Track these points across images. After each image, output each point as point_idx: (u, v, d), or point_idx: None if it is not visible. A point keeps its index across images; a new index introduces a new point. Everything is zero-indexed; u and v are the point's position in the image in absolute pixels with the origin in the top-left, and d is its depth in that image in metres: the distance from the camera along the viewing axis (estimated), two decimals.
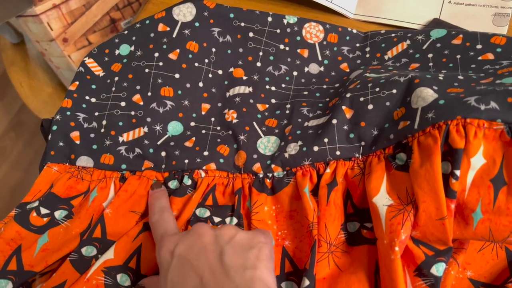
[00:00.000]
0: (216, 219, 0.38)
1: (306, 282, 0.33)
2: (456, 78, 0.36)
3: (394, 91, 0.37)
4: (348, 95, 0.40)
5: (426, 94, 0.34)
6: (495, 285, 0.32)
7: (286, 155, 0.40)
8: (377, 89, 0.38)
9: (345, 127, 0.39)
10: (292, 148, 0.40)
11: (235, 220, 0.38)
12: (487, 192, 0.30)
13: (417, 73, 0.38)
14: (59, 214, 0.39)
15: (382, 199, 0.33)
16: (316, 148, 0.38)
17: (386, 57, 0.45)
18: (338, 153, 0.38)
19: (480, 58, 0.40)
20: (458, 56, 0.41)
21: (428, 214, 0.31)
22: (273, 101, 0.45)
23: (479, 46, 0.41)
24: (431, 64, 0.42)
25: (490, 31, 0.41)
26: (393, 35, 0.46)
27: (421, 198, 0.31)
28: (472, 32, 0.42)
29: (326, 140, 0.38)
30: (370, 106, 0.38)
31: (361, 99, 0.39)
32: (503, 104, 0.30)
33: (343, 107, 0.39)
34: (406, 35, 0.45)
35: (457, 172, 0.30)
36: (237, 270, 0.29)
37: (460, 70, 0.40)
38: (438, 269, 0.30)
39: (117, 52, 0.47)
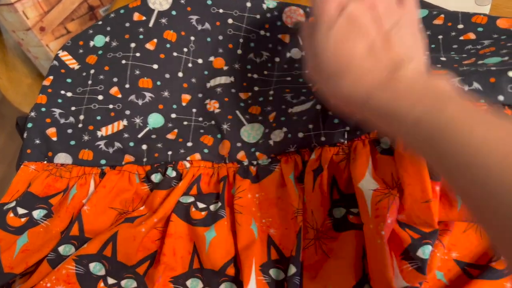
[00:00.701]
0: (200, 205, 0.38)
1: (293, 270, 0.33)
2: (438, 60, 0.36)
3: None
4: None
5: None
6: (480, 265, 0.33)
7: (271, 142, 0.39)
8: None
9: (330, 113, 0.38)
10: (277, 135, 0.39)
11: (219, 204, 0.37)
12: None
13: None
14: (37, 213, 0.38)
15: (367, 184, 0.33)
16: (301, 135, 0.38)
17: None
18: (323, 139, 0.38)
19: (461, 38, 0.40)
20: (440, 37, 0.41)
21: (413, 197, 0.31)
22: (255, 88, 0.45)
23: (460, 26, 0.40)
24: None
25: (473, 11, 0.41)
26: None
27: (407, 181, 0.31)
28: (453, 11, 0.42)
29: (311, 126, 0.38)
30: None
31: None
32: (485, 85, 0.30)
33: None
34: None
35: None
36: (408, 50, 0.28)
37: (443, 50, 0.40)
38: (424, 251, 0.30)
39: (91, 43, 0.45)
